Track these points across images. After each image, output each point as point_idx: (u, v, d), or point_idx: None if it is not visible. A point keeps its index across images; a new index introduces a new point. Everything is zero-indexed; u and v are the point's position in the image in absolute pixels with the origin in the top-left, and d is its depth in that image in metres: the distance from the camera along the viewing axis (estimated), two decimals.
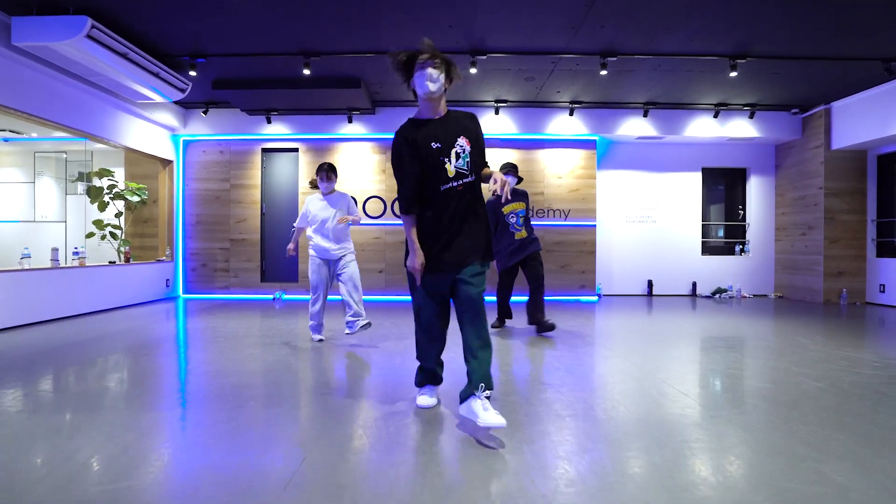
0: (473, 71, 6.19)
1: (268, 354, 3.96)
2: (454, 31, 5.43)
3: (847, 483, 1.82)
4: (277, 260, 8.08)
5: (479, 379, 2.33)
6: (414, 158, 2.40)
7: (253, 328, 5.21)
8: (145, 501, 1.68)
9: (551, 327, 4.83)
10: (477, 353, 2.37)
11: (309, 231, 4.38)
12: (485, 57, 5.99)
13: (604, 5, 4.81)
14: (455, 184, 2.41)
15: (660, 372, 3.45)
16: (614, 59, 5.97)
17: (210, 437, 2.26)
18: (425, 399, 2.70)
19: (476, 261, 2.45)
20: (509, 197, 2.91)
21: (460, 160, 2.42)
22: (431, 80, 2.37)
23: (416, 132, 2.42)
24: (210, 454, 2.06)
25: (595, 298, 7.94)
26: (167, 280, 7.92)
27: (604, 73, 6.16)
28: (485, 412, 2.23)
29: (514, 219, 4.87)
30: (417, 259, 2.45)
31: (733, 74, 6.15)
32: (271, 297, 7.98)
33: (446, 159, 2.40)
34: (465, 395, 2.38)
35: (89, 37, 4.64)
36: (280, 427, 2.38)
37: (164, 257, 7.95)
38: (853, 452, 2.09)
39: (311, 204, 4.39)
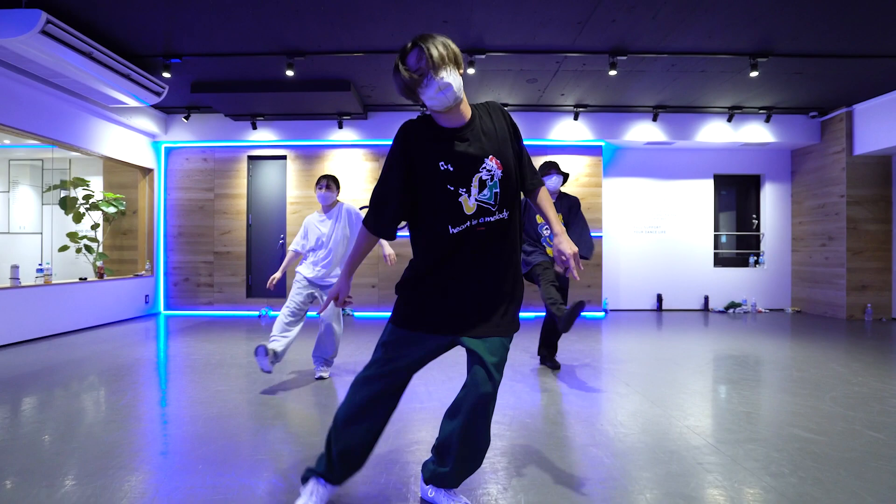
0: (472, 71, 5.74)
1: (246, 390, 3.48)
2: (450, 26, 4.97)
3: None
4: (264, 274, 7.61)
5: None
6: (402, 173, 1.71)
7: (237, 353, 4.73)
8: None
9: (557, 366, 4.18)
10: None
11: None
12: (483, 56, 5.54)
13: None
14: (474, 223, 1.70)
15: (683, 416, 2.97)
16: (624, 57, 5.52)
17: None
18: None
19: (499, 333, 1.74)
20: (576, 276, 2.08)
21: (486, 190, 1.69)
22: (443, 89, 1.61)
23: (423, 141, 1.70)
24: None
25: (601, 314, 7.45)
26: (146, 296, 7.44)
27: (613, 73, 5.70)
28: None
29: (548, 232, 3.96)
30: (342, 290, 1.85)
31: (754, 74, 5.69)
32: (257, 313, 7.51)
33: (463, 190, 1.68)
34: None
35: (44, 32, 4.18)
36: None
37: (143, 272, 7.48)
38: None
39: (309, 222, 3.87)
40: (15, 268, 5.41)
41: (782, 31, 4.95)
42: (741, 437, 2.64)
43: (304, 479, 1.87)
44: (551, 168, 4.06)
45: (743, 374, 4.05)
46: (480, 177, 1.68)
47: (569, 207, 4.13)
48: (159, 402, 3.26)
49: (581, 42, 5.29)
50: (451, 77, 1.61)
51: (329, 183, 3.82)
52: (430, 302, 1.73)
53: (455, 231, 1.68)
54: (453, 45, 1.67)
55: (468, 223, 1.68)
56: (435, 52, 1.61)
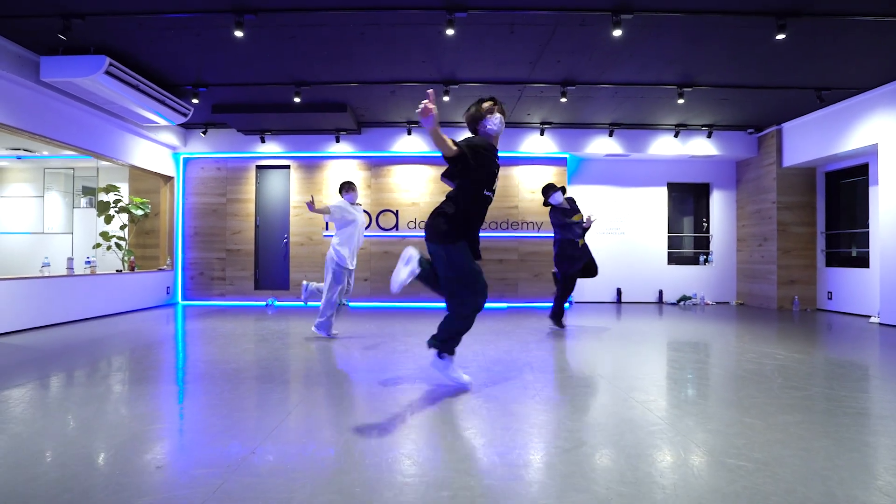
0: (446, 99, 6.83)
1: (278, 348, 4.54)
2: (427, 65, 6.05)
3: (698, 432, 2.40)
4: (270, 269, 8.67)
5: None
6: (484, 160, 3.14)
7: (248, 328, 5.79)
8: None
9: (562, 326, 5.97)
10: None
11: (336, 237, 5.12)
12: (457, 86, 6.62)
13: (556, 45, 5.44)
14: (490, 195, 3.26)
15: (628, 376, 4.03)
16: (573, 87, 6.60)
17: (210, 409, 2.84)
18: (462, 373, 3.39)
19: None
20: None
21: (495, 184, 3.29)
22: (500, 123, 3.31)
23: (491, 149, 3.24)
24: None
25: (567, 305, 8.49)
26: (167, 287, 8.51)
27: (564, 100, 6.79)
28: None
29: (579, 229, 5.75)
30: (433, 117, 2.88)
31: (681, 101, 6.77)
32: (264, 303, 8.55)
33: (496, 174, 3.26)
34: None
35: (107, 73, 5.30)
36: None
37: (164, 266, 8.54)
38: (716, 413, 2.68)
39: (348, 207, 5.20)
40: (70, 259, 6.51)
41: (696, 67, 6.03)
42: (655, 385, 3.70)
43: (441, 355, 3.31)
44: (557, 188, 5.91)
45: (653, 343, 5.11)
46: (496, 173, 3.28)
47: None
48: (205, 354, 4.32)
49: (536, 76, 6.36)
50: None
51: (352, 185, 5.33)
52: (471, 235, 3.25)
53: (486, 193, 3.22)
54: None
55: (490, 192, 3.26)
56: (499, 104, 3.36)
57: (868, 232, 7.31)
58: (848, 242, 7.90)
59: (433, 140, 2.88)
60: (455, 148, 2.99)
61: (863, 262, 7.50)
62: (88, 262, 6.97)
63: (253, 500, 1.80)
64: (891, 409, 2.91)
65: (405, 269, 3.21)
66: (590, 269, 5.98)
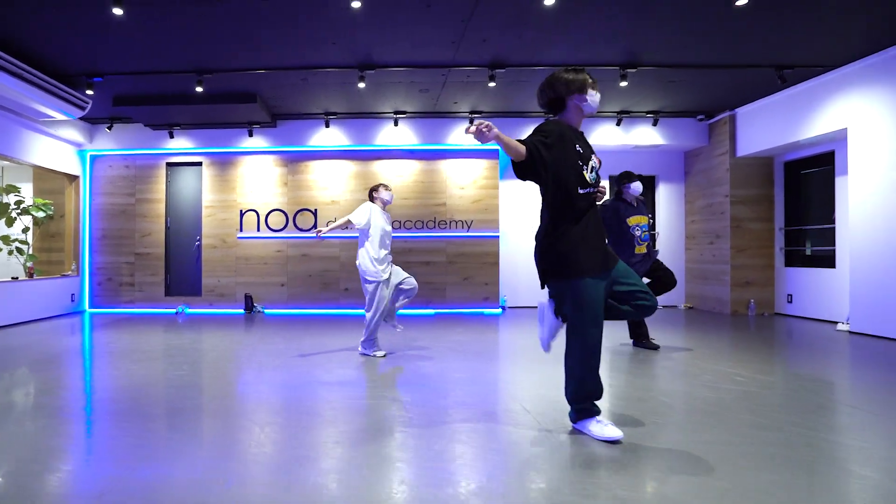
0: (362, 85, 6.21)
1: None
2: (338, 47, 5.42)
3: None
4: (182, 274, 8.05)
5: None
6: (565, 150, 2.43)
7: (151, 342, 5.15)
8: None
9: (655, 347, 4.69)
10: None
11: (368, 243, 4.35)
12: (373, 71, 5.96)
13: (479, 20, 4.77)
14: (591, 190, 2.48)
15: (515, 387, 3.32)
16: (503, 70, 5.90)
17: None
18: (612, 429, 2.41)
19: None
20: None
21: (593, 173, 2.50)
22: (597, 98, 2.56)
23: (567, 131, 2.49)
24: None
25: (499, 311, 7.78)
26: (72, 295, 7.91)
27: (492, 84, 6.10)
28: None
29: (639, 231, 4.53)
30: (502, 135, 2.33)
31: (624, 84, 6.05)
32: (174, 311, 7.93)
33: (584, 167, 2.46)
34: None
35: None
36: None
37: (69, 272, 7.96)
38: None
39: (376, 213, 4.42)
40: None
41: (642, 44, 5.31)
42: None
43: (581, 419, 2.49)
44: (630, 177, 4.66)
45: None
46: (592, 163, 2.52)
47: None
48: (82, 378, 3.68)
49: (461, 57, 5.68)
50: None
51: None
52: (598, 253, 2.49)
53: (582, 192, 2.46)
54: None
55: (588, 189, 2.48)
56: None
57: (834, 228, 6.48)
58: (810, 240, 7.09)
59: (505, 150, 2.33)
60: (524, 149, 2.34)
61: (828, 261, 6.68)
62: None
63: None
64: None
65: (543, 328, 2.62)
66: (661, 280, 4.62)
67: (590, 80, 2.54)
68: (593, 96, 2.52)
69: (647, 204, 4.53)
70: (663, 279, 4.60)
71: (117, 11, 4.37)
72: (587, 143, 2.60)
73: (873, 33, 4.97)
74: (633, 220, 4.49)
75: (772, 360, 4.25)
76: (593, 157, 2.54)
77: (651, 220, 8.53)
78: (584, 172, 2.43)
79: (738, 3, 4.28)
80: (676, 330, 5.95)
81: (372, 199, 4.52)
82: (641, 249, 4.48)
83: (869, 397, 3.14)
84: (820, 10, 4.51)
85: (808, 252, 7.08)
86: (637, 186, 4.61)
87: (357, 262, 4.39)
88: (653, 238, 8.58)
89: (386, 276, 4.33)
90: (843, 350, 4.74)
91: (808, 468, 2.10)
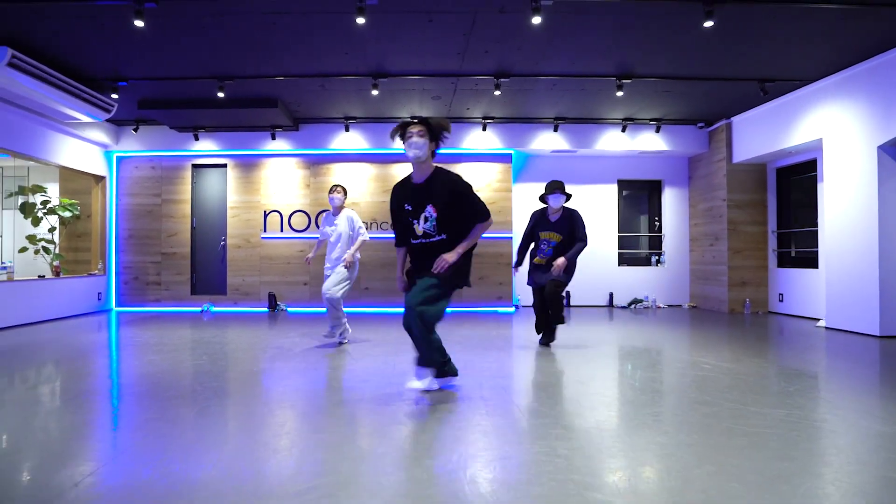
0: (375, 93, 6.54)
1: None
2: (351, 57, 5.76)
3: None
4: (207, 273, 8.33)
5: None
6: (394, 214, 3.14)
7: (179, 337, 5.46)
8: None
9: (546, 344, 5.00)
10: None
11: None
12: (386, 79, 6.33)
13: (480, 33, 5.15)
14: (424, 241, 3.02)
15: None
16: (507, 79, 6.32)
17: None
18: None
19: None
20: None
21: (428, 223, 2.96)
22: (412, 147, 2.94)
23: (398, 192, 3.13)
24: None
25: (512, 310, 8.22)
26: (99, 293, 8.14)
27: (497, 93, 6.51)
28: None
29: (545, 246, 4.82)
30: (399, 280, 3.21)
31: (620, 94, 6.51)
32: (200, 309, 8.21)
33: (415, 221, 3.00)
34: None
35: (10, 65, 5.02)
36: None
37: (96, 271, 8.18)
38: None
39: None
40: None
41: (632, 57, 5.76)
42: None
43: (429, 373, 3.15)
44: (556, 188, 4.78)
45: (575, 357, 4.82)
46: (424, 214, 2.96)
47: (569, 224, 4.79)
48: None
49: (467, 67, 6.08)
50: (424, 144, 2.94)
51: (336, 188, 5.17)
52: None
53: (414, 243, 3.07)
54: (443, 129, 3.03)
55: (419, 240, 3.03)
56: (428, 124, 3.00)
57: (817, 231, 7.05)
58: (798, 242, 7.67)
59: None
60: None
61: (812, 262, 7.26)
62: (4, 268, 6.59)
63: None
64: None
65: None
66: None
67: (399, 131, 3.01)
68: (404, 145, 2.99)
69: (575, 220, 4.74)
70: (548, 315, 4.85)
71: (139, 23, 4.56)
72: (426, 191, 3.01)
73: (843, 51, 5.50)
74: (543, 235, 4.83)
75: (741, 352, 4.65)
76: (429, 206, 2.96)
77: (658, 223, 9.04)
78: (415, 226, 2.99)
79: (705, 25, 4.69)
80: (672, 328, 6.42)
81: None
82: (540, 262, 4.86)
83: (810, 382, 3.60)
84: (790, 28, 4.95)
85: (794, 254, 7.64)
86: (554, 199, 4.76)
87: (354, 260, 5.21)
88: (658, 241, 9.09)
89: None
90: (811, 343, 5.22)
91: (722, 432, 2.46)
